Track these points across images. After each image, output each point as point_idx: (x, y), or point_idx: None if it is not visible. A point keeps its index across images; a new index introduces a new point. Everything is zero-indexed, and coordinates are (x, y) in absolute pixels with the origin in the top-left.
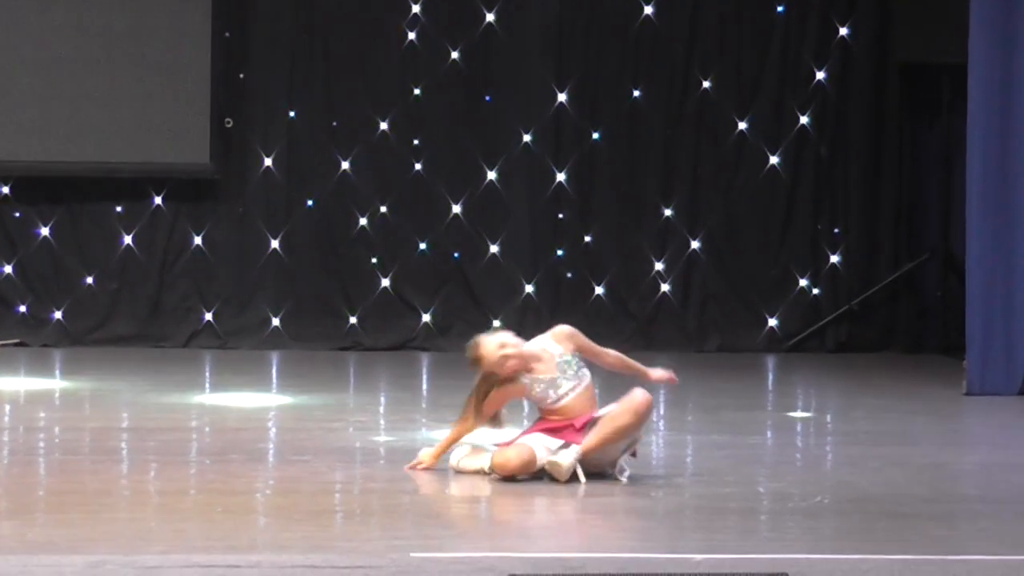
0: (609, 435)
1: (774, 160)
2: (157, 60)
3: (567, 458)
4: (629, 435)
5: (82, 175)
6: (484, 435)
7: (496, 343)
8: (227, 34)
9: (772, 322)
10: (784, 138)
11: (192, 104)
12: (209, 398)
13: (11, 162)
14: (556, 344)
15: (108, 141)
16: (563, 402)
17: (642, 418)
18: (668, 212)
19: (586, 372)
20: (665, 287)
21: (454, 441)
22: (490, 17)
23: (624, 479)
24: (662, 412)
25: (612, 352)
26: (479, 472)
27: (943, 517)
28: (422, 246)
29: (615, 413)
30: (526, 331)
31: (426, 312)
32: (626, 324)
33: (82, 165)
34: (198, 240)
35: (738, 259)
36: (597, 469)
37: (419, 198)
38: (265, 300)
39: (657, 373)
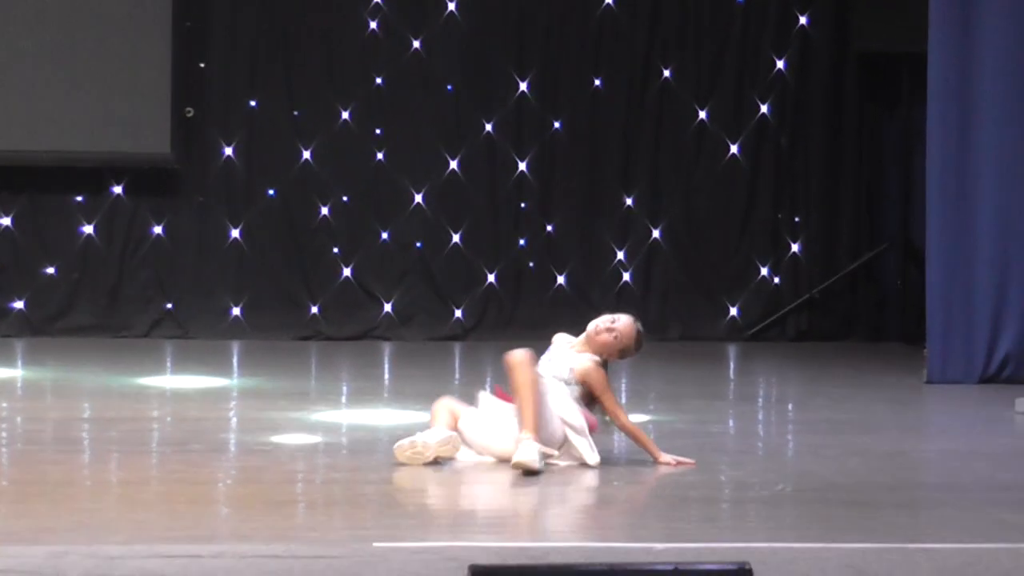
0: (524, 404)
1: (734, 149)
2: (117, 49)
3: (530, 454)
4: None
5: (42, 165)
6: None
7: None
8: (187, 23)
9: (733, 311)
10: (744, 127)
11: (152, 94)
12: (170, 388)
13: None
14: (572, 359)
15: (68, 131)
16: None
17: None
18: (629, 202)
19: (562, 395)
20: (627, 276)
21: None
22: (451, 6)
23: (594, 463)
24: (624, 400)
25: (626, 417)
26: (416, 457)
27: (905, 505)
28: (384, 236)
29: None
30: (488, 320)
31: (388, 302)
32: (588, 314)
33: (42, 155)
34: (158, 230)
35: (699, 249)
36: (569, 461)
37: (381, 188)
38: (226, 290)
39: (666, 458)
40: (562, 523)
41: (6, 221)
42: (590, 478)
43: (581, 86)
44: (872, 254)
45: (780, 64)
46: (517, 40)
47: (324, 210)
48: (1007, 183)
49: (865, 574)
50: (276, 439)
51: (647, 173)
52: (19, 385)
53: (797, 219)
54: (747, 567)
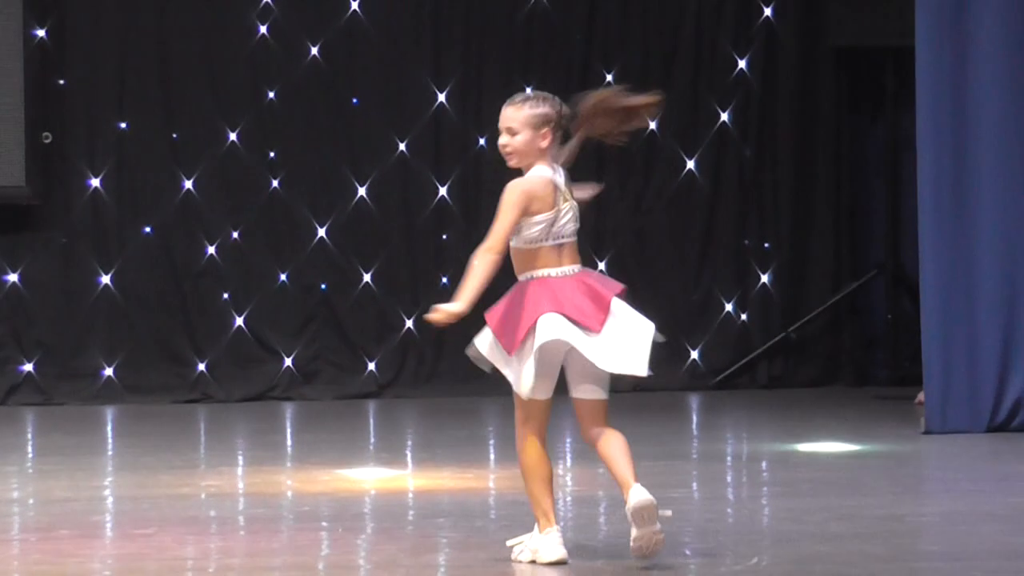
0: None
1: (691, 164)
2: None
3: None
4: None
5: None
6: None
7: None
8: (42, 33)
9: (694, 355)
10: (702, 139)
11: (3, 117)
12: (32, 465)
13: None
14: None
15: None
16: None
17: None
18: None
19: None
20: None
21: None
22: (354, 5)
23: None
24: (568, 465)
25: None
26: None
27: None
28: (282, 277)
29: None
30: (406, 374)
31: (288, 356)
32: None
33: None
34: (13, 277)
35: (652, 282)
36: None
37: (277, 221)
38: (96, 346)
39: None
40: None
41: None
42: (506, 557)
43: (510, 95)
44: (856, 284)
45: (742, 64)
46: (432, 43)
47: (211, 249)
48: (1011, 197)
49: None
50: (159, 520)
51: None
52: None
53: (767, 245)
54: None
